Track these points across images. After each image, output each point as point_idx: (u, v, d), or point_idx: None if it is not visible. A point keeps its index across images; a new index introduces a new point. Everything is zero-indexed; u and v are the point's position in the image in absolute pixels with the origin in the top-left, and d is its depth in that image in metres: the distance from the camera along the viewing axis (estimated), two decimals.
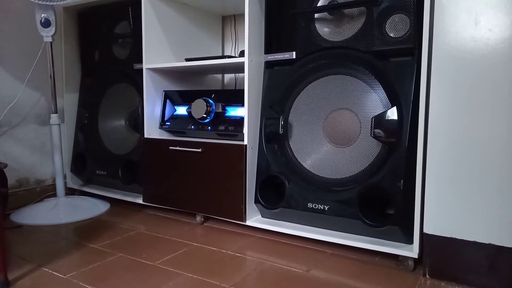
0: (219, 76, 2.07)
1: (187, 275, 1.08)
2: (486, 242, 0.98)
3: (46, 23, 1.61)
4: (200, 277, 1.07)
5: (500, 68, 0.95)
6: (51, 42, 1.65)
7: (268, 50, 1.41)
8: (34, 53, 1.78)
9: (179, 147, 1.52)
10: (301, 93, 1.33)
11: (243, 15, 1.95)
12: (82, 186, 1.95)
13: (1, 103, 1.73)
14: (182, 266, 1.14)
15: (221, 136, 1.52)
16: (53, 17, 1.62)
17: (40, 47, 1.74)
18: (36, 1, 1.52)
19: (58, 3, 1.57)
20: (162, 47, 1.70)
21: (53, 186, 1.85)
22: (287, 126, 1.35)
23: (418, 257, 1.09)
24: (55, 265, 1.15)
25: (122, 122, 1.80)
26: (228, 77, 2.07)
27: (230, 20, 2.03)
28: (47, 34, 1.62)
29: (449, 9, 1.00)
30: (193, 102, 1.54)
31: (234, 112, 1.49)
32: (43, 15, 1.60)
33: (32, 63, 1.78)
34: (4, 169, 1.56)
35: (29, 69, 1.79)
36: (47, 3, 1.55)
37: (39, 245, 1.31)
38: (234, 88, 2.03)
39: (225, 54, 2.05)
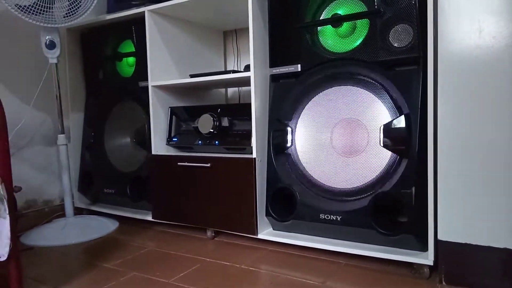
0: (223, 90, 2.09)
1: None
2: (501, 247, 0.98)
3: (51, 45, 1.63)
4: None
5: (505, 74, 0.96)
6: (56, 63, 1.66)
7: (273, 63, 1.42)
8: (40, 75, 1.79)
9: (188, 162, 1.53)
10: (307, 105, 1.34)
11: (244, 29, 1.97)
12: (89, 205, 1.95)
13: (8, 125, 1.73)
14: (197, 282, 1.14)
15: (229, 150, 1.53)
16: (58, 39, 1.64)
17: (45, 68, 1.75)
18: (41, 24, 1.54)
19: (63, 25, 1.59)
20: (166, 64, 1.71)
21: (61, 206, 1.85)
22: (295, 138, 1.36)
23: (434, 264, 1.09)
24: (70, 286, 1.15)
25: (128, 140, 1.81)
26: (231, 90, 2.09)
27: (232, 35, 2.05)
28: (52, 56, 1.64)
29: (452, 17, 1.02)
30: (199, 117, 1.56)
31: (241, 126, 1.50)
32: (48, 37, 1.62)
33: (38, 85, 1.80)
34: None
35: (35, 91, 1.80)
36: (52, 25, 1.57)
37: (52, 267, 1.31)
38: (238, 102, 2.04)
39: (227, 69, 2.07)
